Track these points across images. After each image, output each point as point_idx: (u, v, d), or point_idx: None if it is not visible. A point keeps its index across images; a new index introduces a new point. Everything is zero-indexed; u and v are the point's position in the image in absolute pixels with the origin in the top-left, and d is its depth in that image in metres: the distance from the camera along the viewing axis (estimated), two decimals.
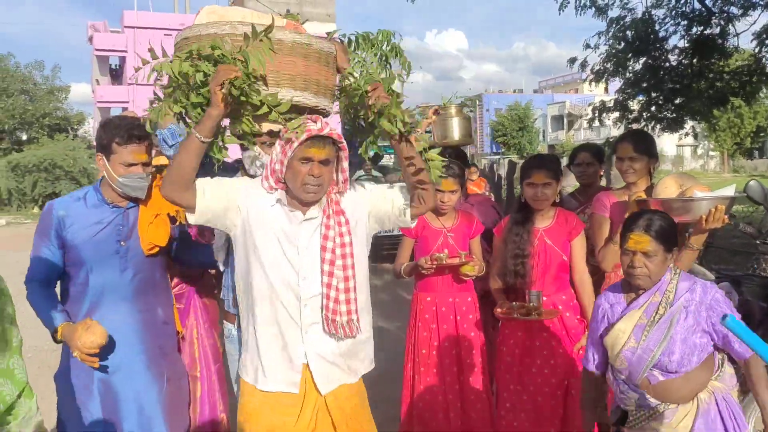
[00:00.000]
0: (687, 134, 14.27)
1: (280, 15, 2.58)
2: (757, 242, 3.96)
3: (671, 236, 2.36)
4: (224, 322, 2.96)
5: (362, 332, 2.41)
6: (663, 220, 2.38)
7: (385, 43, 2.54)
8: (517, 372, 3.38)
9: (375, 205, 2.47)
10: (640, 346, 2.35)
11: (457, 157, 3.88)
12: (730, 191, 2.90)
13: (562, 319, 3.35)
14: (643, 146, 3.23)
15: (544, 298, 3.30)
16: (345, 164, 2.37)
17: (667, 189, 3.00)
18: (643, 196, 3.11)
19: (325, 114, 2.48)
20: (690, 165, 52.69)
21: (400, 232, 3.62)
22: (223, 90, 2.08)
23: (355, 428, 2.43)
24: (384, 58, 2.53)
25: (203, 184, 2.30)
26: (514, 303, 3.28)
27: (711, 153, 51.45)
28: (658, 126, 13.32)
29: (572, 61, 12.92)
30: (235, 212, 2.35)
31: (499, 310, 3.32)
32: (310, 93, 2.34)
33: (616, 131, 14.06)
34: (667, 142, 43.52)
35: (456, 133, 4.15)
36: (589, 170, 4.11)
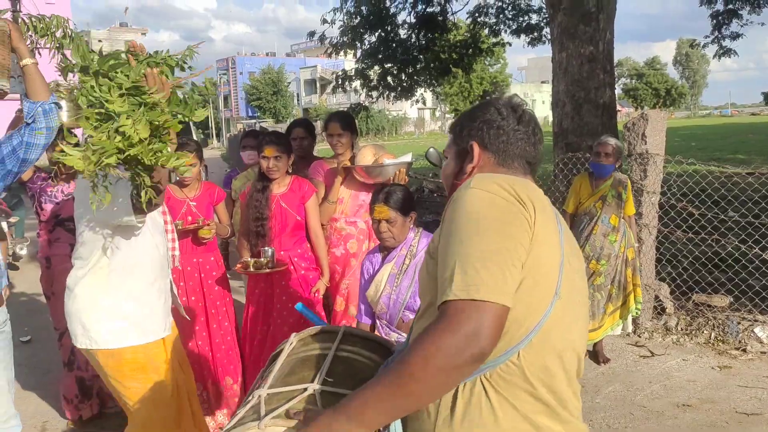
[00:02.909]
0: (418, 101, 15.95)
1: None
2: (435, 195, 4.99)
3: (406, 203, 2.80)
4: None
5: None
6: (397, 191, 2.80)
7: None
8: (262, 321, 3.89)
9: None
10: (394, 292, 2.79)
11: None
12: (407, 158, 3.79)
13: (297, 269, 3.95)
14: (348, 125, 4.00)
15: (282, 252, 3.87)
16: None
17: (365, 158, 3.79)
18: (349, 164, 3.87)
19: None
20: (430, 126, 57.74)
21: None
22: None
23: None
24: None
25: None
26: (250, 259, 3.84)
27: (447, 115, 56.92)
28: (392, 94, 14.70)
29: (312, 34, 13.77)
30: None
31: (238, 265, 3.84)
32: None
33: (365, 97, 15.22)
34: (409, 107, 47.25)
35: None
36: (303, 143, 4.60)
